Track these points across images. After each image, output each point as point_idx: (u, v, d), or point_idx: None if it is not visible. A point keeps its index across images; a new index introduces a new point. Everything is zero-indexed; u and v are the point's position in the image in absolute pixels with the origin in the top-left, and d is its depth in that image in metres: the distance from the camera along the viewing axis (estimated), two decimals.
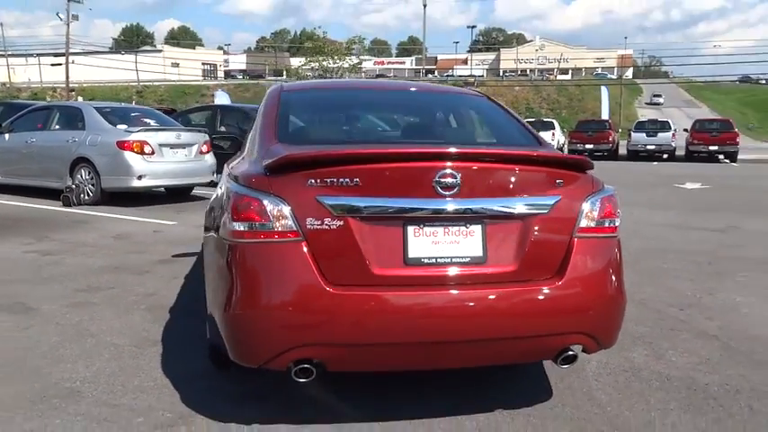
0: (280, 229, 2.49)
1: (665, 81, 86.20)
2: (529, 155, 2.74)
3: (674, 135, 28.40)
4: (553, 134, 28.91)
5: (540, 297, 2.61)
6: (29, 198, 10.00)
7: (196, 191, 10.88)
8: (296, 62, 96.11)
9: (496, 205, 2.59)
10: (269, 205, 2.50)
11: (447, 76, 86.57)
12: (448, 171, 2.51)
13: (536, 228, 2.63)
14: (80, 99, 41.72)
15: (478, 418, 2.91)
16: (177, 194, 10.51)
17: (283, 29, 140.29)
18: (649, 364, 3.58)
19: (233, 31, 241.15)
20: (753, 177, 18.39)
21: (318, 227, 2.48)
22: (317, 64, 35.36)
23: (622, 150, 29.25)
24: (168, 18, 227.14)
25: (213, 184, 10.47)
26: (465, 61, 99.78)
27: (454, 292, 2.55)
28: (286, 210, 2.49)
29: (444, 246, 2.56)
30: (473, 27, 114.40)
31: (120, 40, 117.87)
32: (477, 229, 2.59)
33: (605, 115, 38.70)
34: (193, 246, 6.65)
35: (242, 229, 2.54)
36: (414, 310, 2.51)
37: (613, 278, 2.77)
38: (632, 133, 28.94)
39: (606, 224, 2.77)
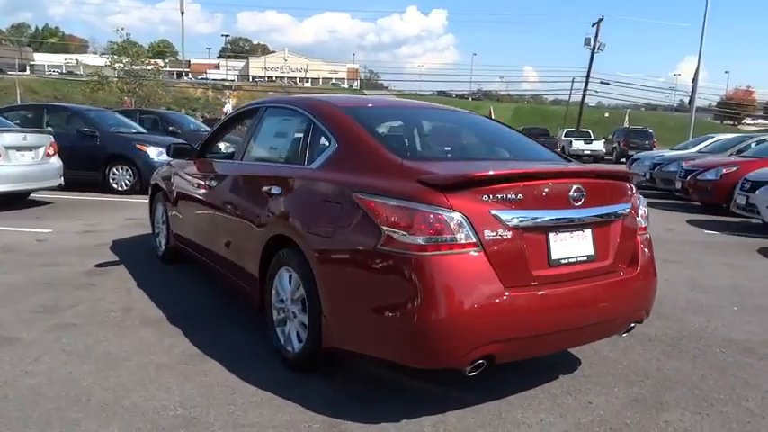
0: (461, 241, 2.43)
1: (385, 93, 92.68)
2: (618, 172, 3.03)
3: None
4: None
5: (629, 283, 2.92)
6: None
7: (35, 195, 9.10)
8: (40, 58, 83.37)
9: (603, 211, 2.83)
10: (450, 220, 2.42)
11: (201, 79, 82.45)
12: (579, 186, 2.68)
13: (621, 228, 2.93)
14: None
15: (554, 384, 3.13)
16: (13, 200, 8.67)
17: (22, 23, 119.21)
18: None
19: None
20: None
21: (493, 237, 2.48)
22: (121, 65, 31.11)
23: None
24: None
25: (61, 188, 8.94)
26: (217, 66, 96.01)
27: (583, 285, 2.72)
28: (465, 223, 2.43)
29: (571, 247, 2.73)
30: (227, 35, 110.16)
31: None
32: (589, 232, 2.80)
33: None
34: (102, 254, 5.73)
35: (422, 242, 2.41)
36: (562, 302, 2.64)
37: (655, 264, 3.17)
38: None
39: (646, 223, 3.16)
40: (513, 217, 2.52)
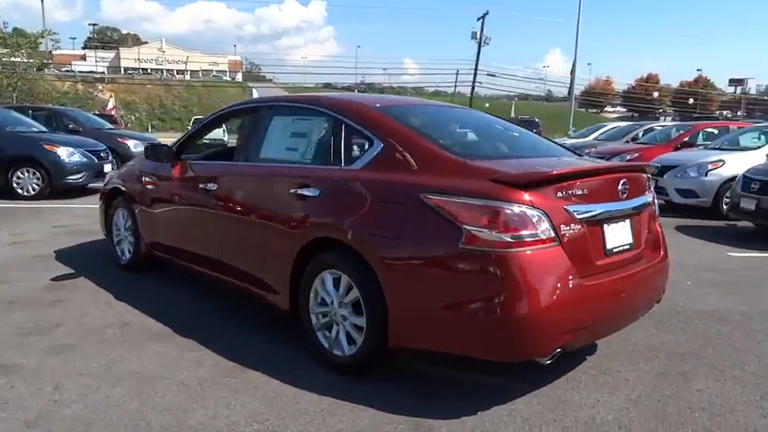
0: (543, 237, 2.55)
1: (270, 86, 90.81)
2: (642, 165, 3.29)
3: None
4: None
5: (657, 266, 3.21)
6: None
7: None
8: None
9: (638, 203, 3.09)
10: (532, 216, 2.53)
11: (67, 71, 75.98)
12: (624, 180, 2.91)
13: (647, 217, 3.20)
14: None
15: (587, 366, 3.36)
16: None
17: None
18: None
19: None
20: None
21: (567, 231, 2.63)
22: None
23: None
24: None
25: None
26: (83, 57, 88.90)
27: (629, 271, 2.96)
28: (546, 219, 2.56)
29: (618, 237, 2.95)
30: (94, 24, 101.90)
31: None
32: (628, 222, 3.04)
33: None
34: (50, 267, 5.25)
35: (509, 239, 2.50)
36: (618, 288, 2.86)
37: (667, 246, 3.49)
38: None
39: (658, 211, 3.47)
40: (581, 211, 2.69)
